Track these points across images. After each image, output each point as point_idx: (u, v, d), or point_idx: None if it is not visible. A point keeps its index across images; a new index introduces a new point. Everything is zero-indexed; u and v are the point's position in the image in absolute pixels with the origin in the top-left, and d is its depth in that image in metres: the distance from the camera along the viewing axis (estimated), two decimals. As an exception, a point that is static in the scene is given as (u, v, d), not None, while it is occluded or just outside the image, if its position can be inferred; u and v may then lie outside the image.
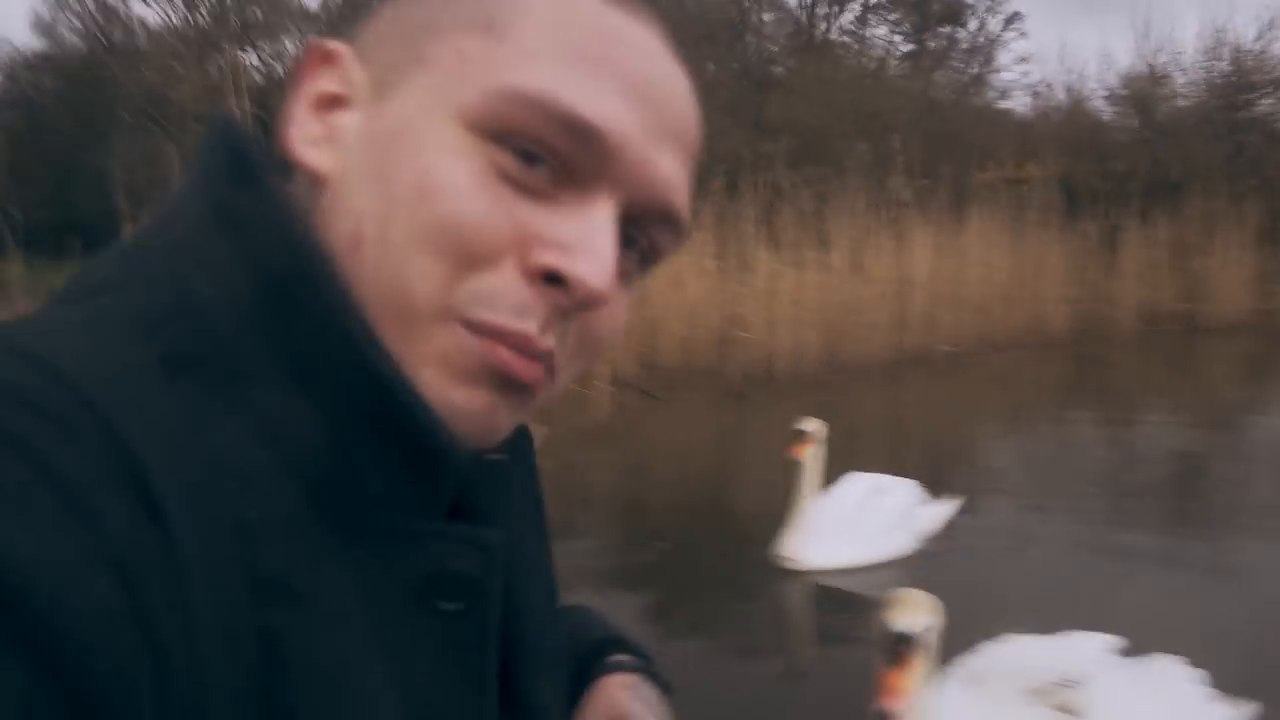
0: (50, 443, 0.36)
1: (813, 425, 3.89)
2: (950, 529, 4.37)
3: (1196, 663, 3.09)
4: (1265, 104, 13.75)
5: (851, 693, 2.05)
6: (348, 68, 0.53)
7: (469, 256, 0.47)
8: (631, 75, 0.50)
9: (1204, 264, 10.84)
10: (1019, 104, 17.86)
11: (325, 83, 0.53)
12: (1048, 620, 3.40)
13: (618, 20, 0.52)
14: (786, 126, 10.83)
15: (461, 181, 0.47)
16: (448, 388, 0.48)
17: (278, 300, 0.47)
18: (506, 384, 0.49)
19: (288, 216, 0.49)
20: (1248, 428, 6.80)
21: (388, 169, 0.49)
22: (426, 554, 0.50)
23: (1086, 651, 2.29)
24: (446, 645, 0.51)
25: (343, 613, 0.46)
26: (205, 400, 0.43)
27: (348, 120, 0.52)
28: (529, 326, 0.48)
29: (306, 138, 0.52)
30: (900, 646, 1.73)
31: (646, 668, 0.76)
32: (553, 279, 0.48)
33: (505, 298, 0.48)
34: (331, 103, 0.53)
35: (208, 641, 0.38)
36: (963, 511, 4.78)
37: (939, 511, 4.29)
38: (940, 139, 11.94)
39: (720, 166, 8.36)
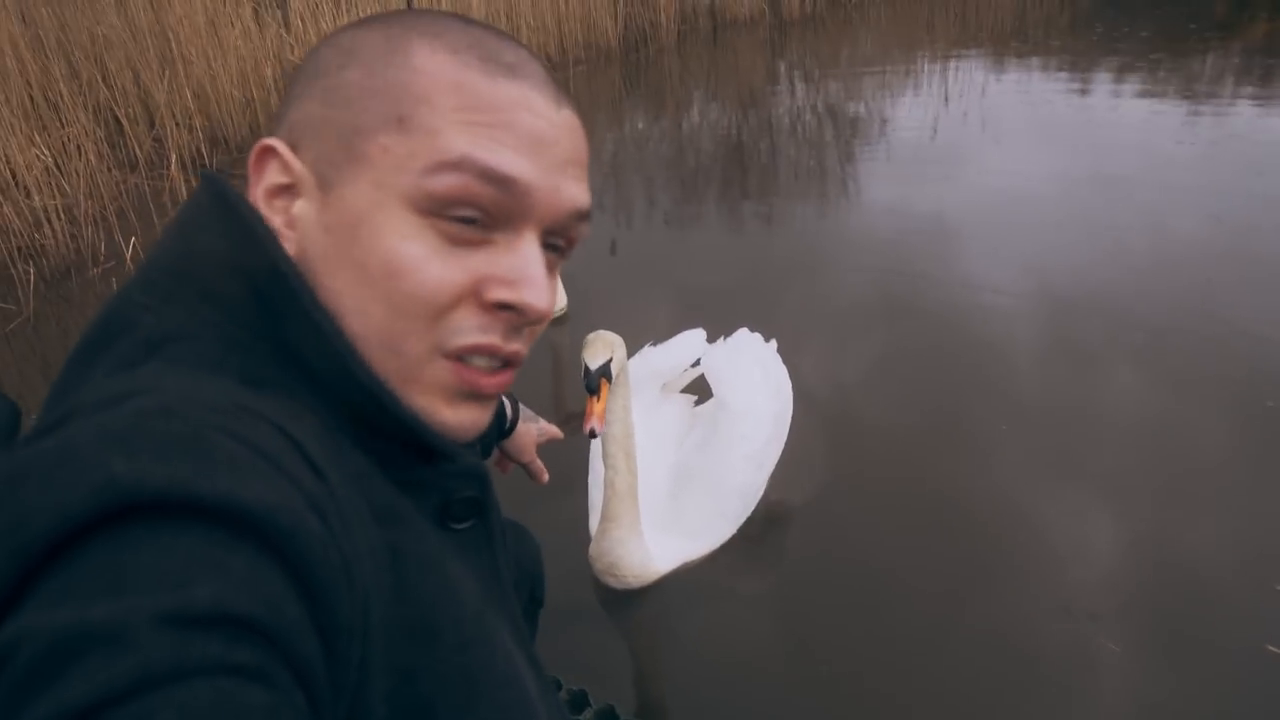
0: (254, 435, 0.53)
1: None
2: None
3: (768, 296, 3.87)
4: None
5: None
6: (287, 160, 0.67)
7: (439, 309, 0.66)
8: (525, 132, 0.67)
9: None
10: None
11: (272, 176, 0.67)
12: (663, 293, 4.00)
13: (504, 88, 0.66)
14: None
15: (420, 256, 0.64)
16: (441, 410, 0.68)
17: (305, 353, 0.63)
18: (481, 396, 0.70)
19: (301, 287, 0.63)
20: (771, 105, 7.91)
21: (357, 256, 0.64)
22: (437, 492, 0.72)
23: (690, 344, 2.86)
24: (467, 551, 0.75)
25: (423, 530, 0.67)
26: (285, 402, 0.61)
27: (299, 209, 0.66)
28: (494, 339, 0.68)
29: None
30: (594, 379, 2.08)
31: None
32: (504, 307, 0.68)
33: (471, 325, 0.67)
34: (282, 192, 0.67)
35: (363, 553, 0.56)
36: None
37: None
38: None
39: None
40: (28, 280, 4.42)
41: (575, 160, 0.72)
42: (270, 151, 0.67)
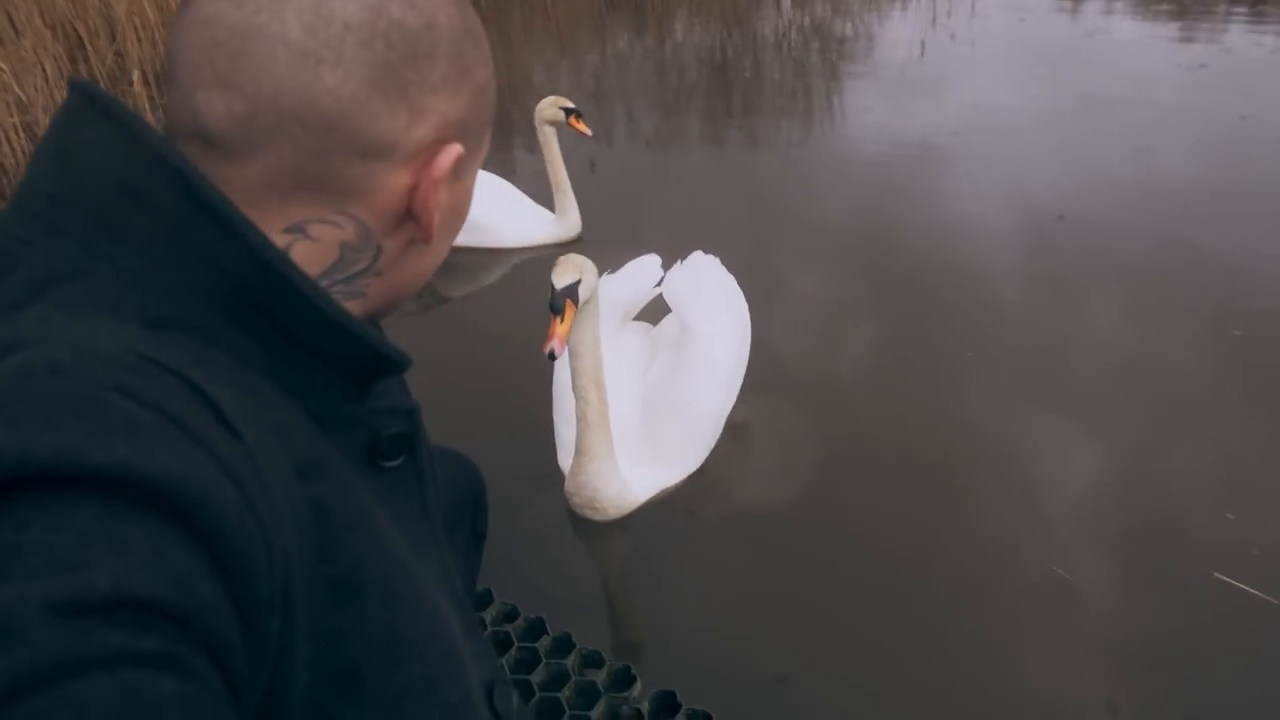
0: (158, 394, 0.48)
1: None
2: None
3: (748, 219, 3.81)
4: None
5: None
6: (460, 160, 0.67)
7: None
8: None
9: None
10: None
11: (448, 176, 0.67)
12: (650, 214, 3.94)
13: None
14: None
15: None
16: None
17: (230, 272, 0.58)
18: None
19: (218, 198, 0.57)
20: (757, 23, 7.70)
21: (459, 221, 0.73)
22: (365, 428, 0.69)
23: (647, 270, 2.83)
24: (396, 491, 0.72)
25: (348, 478, 0.63)
26: (191, 344, 0.55)
27: (440, 193, 0.67)
28: None
29: (435, 224, 0.67)
30: (559, 299, 2.01)
31: None
32: None
33: None
34: None
35: (284, 515, 0.52)
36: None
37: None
38: None
39: None
40: (-13, 200, 4.30)
41: None
42: (460, 156, 0.67)
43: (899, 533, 2.21)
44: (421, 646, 0.66)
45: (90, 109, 0.59)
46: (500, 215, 3.77)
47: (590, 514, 2.30)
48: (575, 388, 2.20)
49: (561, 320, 2.00)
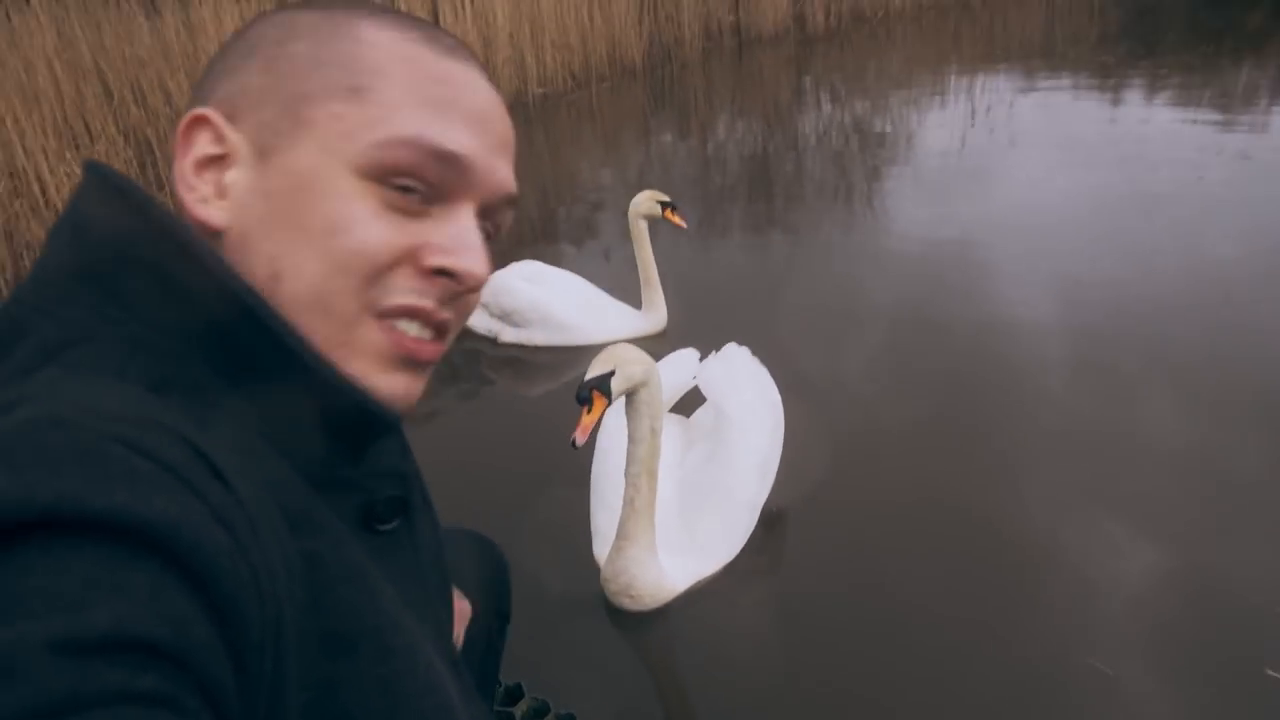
0: (155, 445, 0.49)
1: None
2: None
3: (795, 309, 3.84)
4: None
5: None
6: (221, 130, 0.65)
7: (377, 269, 0.65)
8: (470, 110, 0.68)
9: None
10: None
11: (204, 146, 0.65)
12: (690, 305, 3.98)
13: (450, 67, 0.68)
14: None
15: (363, 216, 0.64)
16: (373, 375, 0.67)
17: (225, 333, 0.61)
18: (415, 364, 0.69)
19: (217, 265, 0.61)
20: (798, 122, 7.88)
21: (299, 216, 0.64)
22: (360, 491, 0.70)
23: (685, 363, 2.94)
24: (392, 554, 0.73)
25: (343, 537, 0.65)
26: (190, 406, 0.58)
27: (234, 177, 0.65)
28: (428, 303, 0.68)
29: (199, 198, 0.64)
30: (585, 391, 2.04)
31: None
32: (442, 273, 0.67)
33: (407, 287, 0.67)
34: (212, 162, 0.66)
35: (275, 564, 0.53)
36: (583, 239, 5.24)
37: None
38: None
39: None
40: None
41: (508, 143, 0.74)
42: (202, 122, 0.66)
43: (941, 625, 2.17)
44: (416, 700, 0.67)
45: (104, 188, 0.64)
46: (583, 313, 3.79)
47: (626, 603, 2.28)
48: (628, 475, 2.21)
49: (589, 411, 2.03)
